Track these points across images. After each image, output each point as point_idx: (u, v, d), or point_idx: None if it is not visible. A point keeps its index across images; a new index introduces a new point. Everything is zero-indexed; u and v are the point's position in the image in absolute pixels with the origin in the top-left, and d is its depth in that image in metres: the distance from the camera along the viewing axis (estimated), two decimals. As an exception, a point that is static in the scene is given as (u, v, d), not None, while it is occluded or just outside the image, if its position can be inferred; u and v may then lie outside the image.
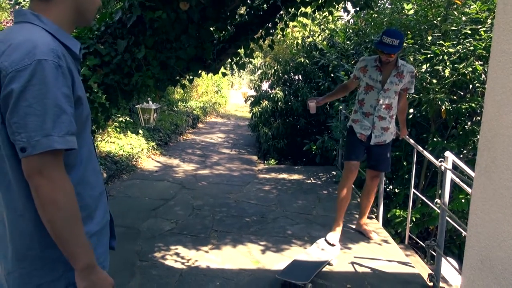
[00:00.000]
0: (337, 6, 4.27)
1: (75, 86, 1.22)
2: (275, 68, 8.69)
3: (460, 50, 4.33)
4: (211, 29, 3.48)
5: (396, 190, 5.24)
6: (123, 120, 7.53)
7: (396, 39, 3.47)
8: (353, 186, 5.53)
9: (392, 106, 3.77)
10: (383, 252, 3.78)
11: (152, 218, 4.51)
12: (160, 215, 4.62)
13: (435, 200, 3.27)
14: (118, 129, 7.34)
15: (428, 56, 4.53)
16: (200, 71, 3.75)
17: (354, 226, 4.30)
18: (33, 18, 1.23)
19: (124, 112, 7.61)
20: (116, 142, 6.87)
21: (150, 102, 6.26)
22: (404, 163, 4.95)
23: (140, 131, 7.84)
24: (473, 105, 4.31)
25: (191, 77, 3.88)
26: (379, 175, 4.03)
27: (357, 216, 4.31)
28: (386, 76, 3.67)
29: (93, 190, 1.36)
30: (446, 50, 4.38)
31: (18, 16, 1.26)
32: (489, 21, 4.40)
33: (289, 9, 3.92)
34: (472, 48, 4.24)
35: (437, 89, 4.34)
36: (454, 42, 4.50)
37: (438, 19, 5.01)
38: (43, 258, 1.25)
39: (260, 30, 3.94)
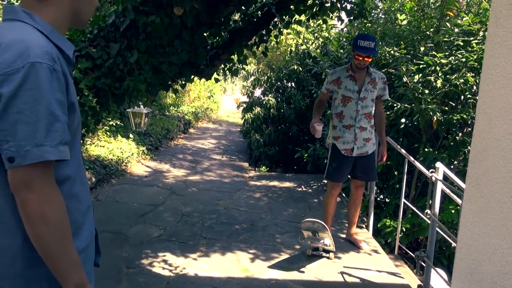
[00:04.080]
0: (331, 15, 4.29)
1: (69, 91, 1.13)
2: (268, 74, 8.69)
3: (452, 61, 4.36)
4: (205, 34, 3.47)
5: (386, 200, 5.24)
6: (114, 124, 7.47)
7: (371, 41, 3.51)
8: (342, 194, 5.56)
9: (372, 115, 3.79)
10: (372, 262, 3.77)
11: (141, 224, 4.46)
12: (148, 221, 4.56)
13: (426, 211, 3.27)
14: (108, 132, 7.28)
15: (421, 66, 4.56)
16: (192, 77, 3.74)
17: (344, 236, 4.28)
18: (25, 16, 1.12)
19: (114, 116, 7.56)
20: (105, 146, 6.81)
21: (142, 106, 6.22)
22: (395, 173, 4.96)
23: (131, 135, 7.78)
24: (464, 116, 4.33)
25: (183, 82, 3.86)
26: (363, 184, 4.03)
27: (347, 225, 4.30)
28: (361, 85, 3.68)
29: (81, 204, 1.25)
30: (438, 61, 4.41)
31: (8, 13, 1.15)
32: (481, 33, 4.44)
33: (284, 17, 3.93)
34: (464, 59, 4.27)
35: (429, 100, 4.36)
36: (447, 53, 4.54)
37: (431, 30, 5.05)
38: (26, 278, 1.14)
39: (254, 37, 3.94)
